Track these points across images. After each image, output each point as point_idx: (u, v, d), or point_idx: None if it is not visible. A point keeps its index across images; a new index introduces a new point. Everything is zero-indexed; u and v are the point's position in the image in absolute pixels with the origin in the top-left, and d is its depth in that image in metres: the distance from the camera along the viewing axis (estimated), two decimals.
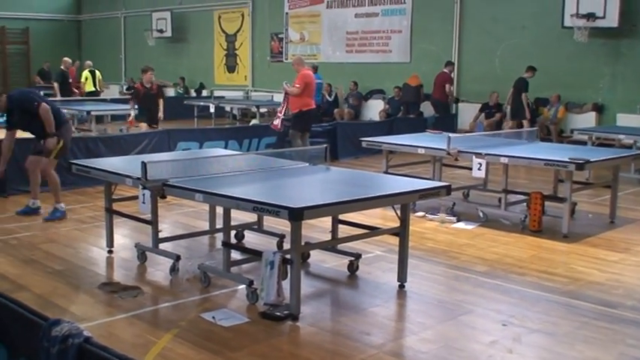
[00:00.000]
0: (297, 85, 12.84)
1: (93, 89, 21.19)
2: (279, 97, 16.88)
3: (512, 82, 16.88)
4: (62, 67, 20.83)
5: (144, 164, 6.22)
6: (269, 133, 14.13)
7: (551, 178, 9.88)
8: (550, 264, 7.32)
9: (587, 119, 16.56)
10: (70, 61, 21.45)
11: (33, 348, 3.05)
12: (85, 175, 7.63)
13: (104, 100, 20.98)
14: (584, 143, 13.42)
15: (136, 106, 14.22)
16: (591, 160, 8.39)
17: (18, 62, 30.70)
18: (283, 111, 13.34)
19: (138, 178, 6.36)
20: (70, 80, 21.31)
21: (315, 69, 14.72)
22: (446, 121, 17.60)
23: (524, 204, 9.20)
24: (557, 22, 16.73)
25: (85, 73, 21.52)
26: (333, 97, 21.50)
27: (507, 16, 18.27)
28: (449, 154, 9.12)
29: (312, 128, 14.38)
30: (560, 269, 7.15)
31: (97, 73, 21.56)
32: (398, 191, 6.23)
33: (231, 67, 26.20)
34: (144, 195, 6.42)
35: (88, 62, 22.10)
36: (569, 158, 8.26)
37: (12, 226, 8.70)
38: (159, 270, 6.98)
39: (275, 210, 5.30)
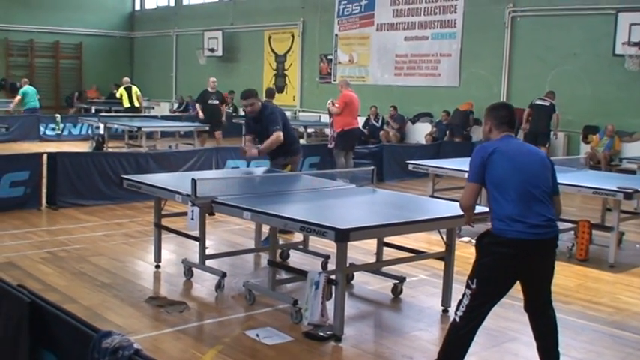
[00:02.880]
0: (337, 105, 13.45)
1: (129, 105, 21.02)
2: (326, 118, 17.00)
3: (561, 109, 16.80)
4: (208, 88, 18.60)
5: (194, 181, 6.31)
6: (313, 152, 14.26)
7: (599, 207, 9.78)
8: (596, 293, 7.26)
9: (637, 148, 16.33)
10: (215, 80, 18.91)
11: (83, 358, 3.12)
12: (135, 190, 7.75)
13: (155, 117, 21.23)
14: (633, 172, 13.24)
15: None
16: None
17: (70, 77, 31.30)
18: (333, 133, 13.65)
19: (188, 195, 6.45)
20: (216, 102, 18.47)
21: None
22: None
23: (572, 232, 9.12)
24: (609, 50, 16.59)
25: (121, 89, 21.57)
26: (380, 122, 21.37)
27: (558, 43, 18.15)
28: None
29: (358, 150, 14.51)
30: (606, 299, 7.09)
31: (134, 88, 21.15)
32: (444, 216, 6.24)
33: (279, 87, 26.35)
34: (193, 211, 6.51)
35: (125, 79, 22.02)
36: (618, 187, 8.20)
37: (61, 238, 8.87)
38: (205, 286, 7.07)
39: (322, 230, 5.34)
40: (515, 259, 4.65)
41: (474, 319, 4.75)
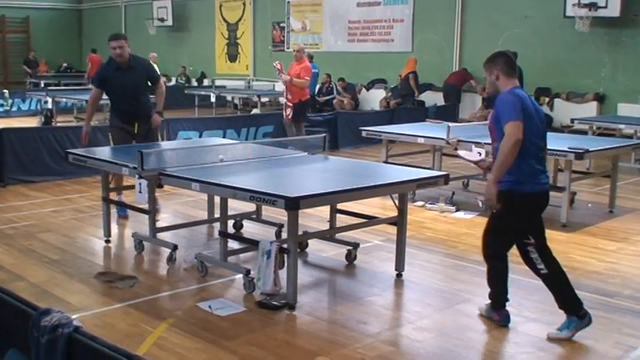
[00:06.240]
0: (307, 78, 12.83)
1: None
2: (280, 87, 16.82)
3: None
4: None
5: (140, 153, 6.19)
6: (266, 121, 14.14)
7: (551, 168, 9.83)
8: None
9: (588, 109, 16.50)
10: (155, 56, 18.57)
11: (23, 338, 3.04)
12: (82, 164, 7.59)
13: None
14: (584, 133, 13.36)
15: None
16: (590, 149, 8.37)
17: (18, 51, 30.59)
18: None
19: (134, 168, 6.33)
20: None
21: (310, 58, 14.72)
22: (447, 111, 17.52)
23: None
24: (559, 12, 16.67)
25: None
26: (333, 90, 21.10)
27: (509, 6, 18.21)
28: (448, 143, 9.07)
29: (313, 117, 14.47)
30: (559, 258, 7.04)
31: None
32: (395, 180, 6.20)
33: (232, 57, 26.15)
34: (140, 184, 6.41)
35: None
36: (569, 147, 8.24)
37: (9, 215, 8.68)
38: (156, 260, 6.98)
39: (271, 199, 5.29)
40: (538, 208, 5.25)
41: (549, 256, 5.22)
